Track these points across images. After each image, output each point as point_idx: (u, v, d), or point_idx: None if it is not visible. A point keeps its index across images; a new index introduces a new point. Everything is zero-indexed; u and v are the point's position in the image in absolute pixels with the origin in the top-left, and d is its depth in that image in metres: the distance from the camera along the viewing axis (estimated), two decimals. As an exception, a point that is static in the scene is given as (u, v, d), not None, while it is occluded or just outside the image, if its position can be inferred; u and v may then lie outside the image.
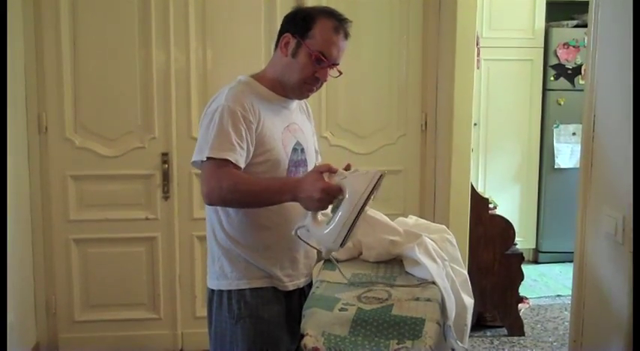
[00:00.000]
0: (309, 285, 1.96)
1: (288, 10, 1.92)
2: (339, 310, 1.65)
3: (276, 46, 1.86)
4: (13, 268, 2.85)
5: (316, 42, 1.78)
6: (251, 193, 1.71)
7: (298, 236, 1.70)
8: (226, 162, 1.69)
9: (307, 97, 1.92)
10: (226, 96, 1.76)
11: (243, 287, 1.82)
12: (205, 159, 1.70)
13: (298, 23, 1.81)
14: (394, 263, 1.99)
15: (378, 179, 1.59)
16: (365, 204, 1.59)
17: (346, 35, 1.83)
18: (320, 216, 1.67)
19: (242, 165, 1.73)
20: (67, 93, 3.23)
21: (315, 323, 1.59)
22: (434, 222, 2.37)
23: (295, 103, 1.95)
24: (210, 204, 1.78)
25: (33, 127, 3.22)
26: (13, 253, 2.91)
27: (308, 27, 1.79)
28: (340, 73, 1.87)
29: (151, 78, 3.26)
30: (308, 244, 1.78)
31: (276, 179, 1.78)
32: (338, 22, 1.81)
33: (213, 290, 1.88)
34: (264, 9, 3.27)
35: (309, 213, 1.66)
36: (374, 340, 1.53)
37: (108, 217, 3.32)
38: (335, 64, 1.83)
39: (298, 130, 1.91)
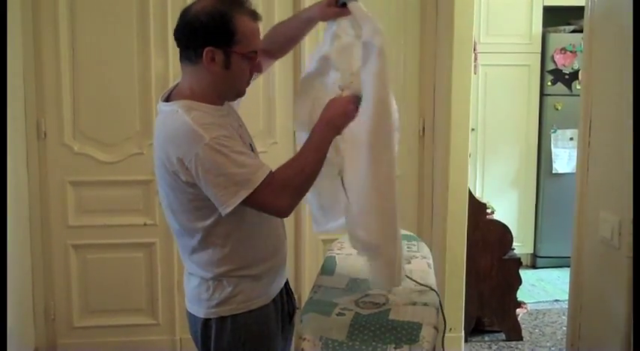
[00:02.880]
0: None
1: (285, 13, 1.87)
2: (337, 314, 1.66)
3: (186, 58, 1.70)
4: (12, 273, 2.84)
5: (244, 43, 1.65)
6: (307, 164, 1.67)
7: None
8: (270, 175, 1.60)
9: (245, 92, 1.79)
10: (198, 133, 1.57)
11: (251, 309, 1.74)
12: (252, 192, 1.58)
13: (218, 33, 1.63)
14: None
15: None
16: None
17: (260, 18, 1.71)
18: None
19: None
20: (65, 99, 3.24)
21: (312, 328, 1.60)
22: (432, 226, 2.35)
23: (226, 104, 1.78)
24: (289, 213, 1.70)
25: (32, 133, 3.23)
26: (12, 259, 2.90)
27: (231, 33, 1.63)
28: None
29: (149, 83, 3.27)
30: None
31: (309, 137, 1.72)
32: (250, 10, 1.69)
33: (209, 319, 1.74)
34: (262, 12, 3.25)
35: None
36: (371, 344, 1.54)
37: (107, 223, 3.32)
38: None
39: (241, 127, 1.81)
